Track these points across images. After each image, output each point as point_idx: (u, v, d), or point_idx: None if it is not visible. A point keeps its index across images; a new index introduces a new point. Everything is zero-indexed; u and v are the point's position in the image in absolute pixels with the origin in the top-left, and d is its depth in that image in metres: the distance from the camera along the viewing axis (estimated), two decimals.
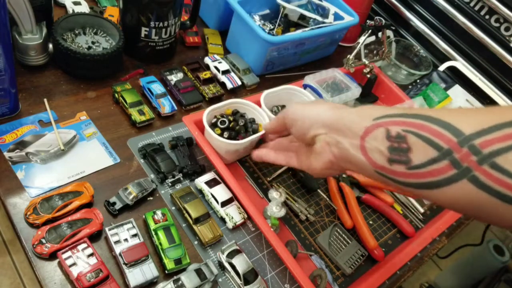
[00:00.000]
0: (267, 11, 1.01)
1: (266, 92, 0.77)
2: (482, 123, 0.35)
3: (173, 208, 0.67)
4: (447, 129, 0.36)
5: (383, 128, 0.40)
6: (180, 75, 0.86)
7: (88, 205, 0.63)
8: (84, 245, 0.57)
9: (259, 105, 0.76)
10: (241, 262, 0.61)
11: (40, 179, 0.64)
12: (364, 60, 0.97)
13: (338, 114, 0.47)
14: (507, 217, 0.34)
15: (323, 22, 0.96)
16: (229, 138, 0.71)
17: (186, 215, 0.65)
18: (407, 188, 0.40)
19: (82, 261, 0.55)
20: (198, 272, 0.59)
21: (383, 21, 0.95)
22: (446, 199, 0.37)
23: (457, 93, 1.07)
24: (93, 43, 0.80)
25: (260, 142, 0.74)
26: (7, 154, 0.64)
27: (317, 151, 0.50)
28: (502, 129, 0.34)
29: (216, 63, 0.90)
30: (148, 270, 0.57)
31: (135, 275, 0.56)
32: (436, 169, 0.37)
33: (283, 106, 0.81)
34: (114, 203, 0.63)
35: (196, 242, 0.65)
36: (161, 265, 0.60)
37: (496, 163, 0.33)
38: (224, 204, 0.68)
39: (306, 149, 0.55)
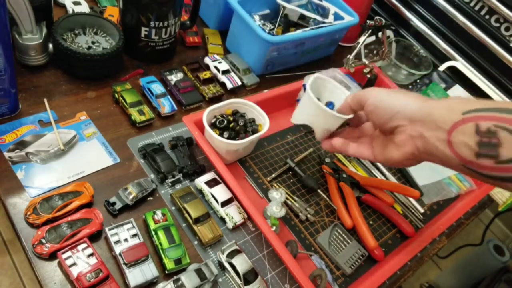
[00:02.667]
0: (267, 11, 1.01)
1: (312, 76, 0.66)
2: None
3: (173, 208, 0.67)
4: None
5: (472, 123, 0.41)
6: (180, 75, 0.86)
7: (88, 205, 0.63)
8: (84, 245, 0.57)
9: (259, 105, 0.76)
10: (241, 262, 0.61)
11: (40, 179, 0.64)
12: (364, 60, 0.97)
13: (426, 107, 0.46)
14: None
15: (323, 22, 0.96)
16: (229, 138, 0.71)
17: (186, 215, 0.65)
18: (492, 181, 0.41)
19: (82, 261, 0.55)
20: (198, 272, 0.59)
21: (383, 21, 0.95)
22: None
23: (457, 93, 1.07)
24: (93, 43, 0.80)
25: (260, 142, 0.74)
26: (7, 154, 0.64)
27: (399, 142, 0.49)
28: None
29: (216, 63, 0.90)
30: (148, 270, 0.57)
31: (135, 275, 0.56)
32: None
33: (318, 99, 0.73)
34: (114, 203, 0.63)
35: (196, 242, 0.65)
36: (161, 265, 0.60)
37: None
38: (224, 204, 0.68)
39: (382, 139, 0.54)
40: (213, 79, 0.87)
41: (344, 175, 0.79)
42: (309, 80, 0.62)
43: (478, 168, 0.41)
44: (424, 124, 0.45)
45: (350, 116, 0.57)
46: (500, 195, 0.95)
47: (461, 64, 1.12)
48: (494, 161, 0.39)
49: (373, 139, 0.56)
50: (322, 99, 0.65)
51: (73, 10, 0.87)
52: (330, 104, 0.68)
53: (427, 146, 0.45)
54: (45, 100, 0.73)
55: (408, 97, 0.48)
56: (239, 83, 0.89)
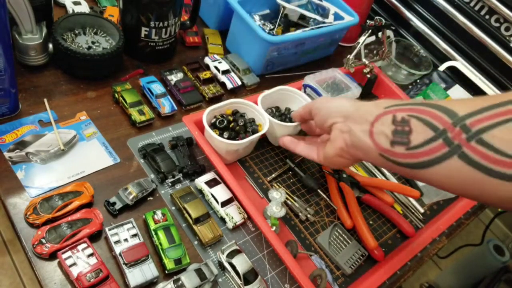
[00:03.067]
0: (267, 11, 1.01)
1: (262, 95, 0.77)
2: (475, 106, 0.39)
3: (173, 208, 0.67)
4: (445, 112, 0.40)
5: (391, 114, 0.45)
6: (180, 75, 0.86)
7: (88, 205, 0.63)
8: (84, 245, 0.57)
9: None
10: (241, 262, 0.61)
11: (40, 179, 0.64)
12: (364, 60, 0.97)
13: (356, 106, 0.51)
14: (495, 192, 0.37)
15: (323, 22, 0.96)
16: (229, 138, 0.71)
17: (186, 215, 0.65)
18: (405, 169, 0.43)
19: (82, 261, 0.55)
20: (198, 272, 0.59)
21: (383, 21, 0.95)
22: (438, 177, 0.41)
23: (457, 93, 1.07)
24: (93, 43, 0.80)
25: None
26: (7, 154, 0.64)
27: (331, 138, 0.54)
28: (491, 110, 0.37)
29: (216, 63, 0.90)
30: (148, 270, 0.57)
31: (135, 275, 0.56)
32: (431, 148, 0.40)
33: (276, 108, 0.81)
34: (114, 203, 0.63)
35: (196, 242, 0.65)
36: (161, 265, 0.60)
37: (483, 139, 0.37)
38: (224, 204, 0.68)
39: (325, 140, 0.58)
40: (213, 79, 0.87)
41: (344, 175, 0.79)
42: (261, 95, 0.75)
43: (393, 156, 0.44)
44: (353, 119, 0.50)
45: (295, 123, 0.70)
46: None
47: (461, 64, 1.12)
48: (405, 147, 0.42)
49: (321, 142, 0.62)
50: (281, 107, 0.80)
51: (73, 10, 0.87)
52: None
53: (353, 139, 0.49)
54: (45, 100, 0.73)
55: (345, 100, 0.54)
56: (239, 83, 0.89)
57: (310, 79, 0.85)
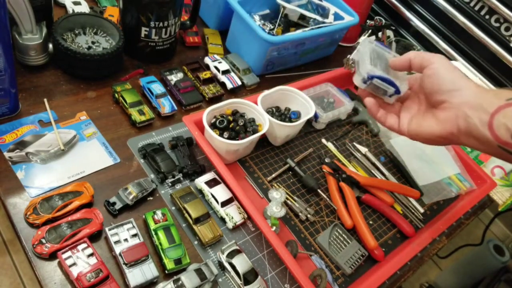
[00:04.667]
0: (267, 11, 1.01)
1: (262, 95, 0.77)
2: None
3: (173, 208, 0.67)
4: None
5: None
6: (180, 75, 0.86)
7: (88, 205, 0.63)
8: (84, 245, 0.57)
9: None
10: (241, 262, 0.61)
11: (40, 179, 0.64)
12: None
13: (476, 92, 0.48)
14: None
15: (323, 22, 0.96)
16: (229, 138, 0.71)
17: (186, 215, 0.65)
18: None
19: (82, 261, 0.55)
20: (198, 272, 0.59)
21: (383, 21, 0.96)
22: None
23: None
24: (93, 43, 0.80)
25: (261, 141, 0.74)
26: (7, 154, 0.64)
27: (441, 118, 0.50)
28: None
29: (216, 63, 0.90)
30: (148, 270, 0.57)
31: (135, 275, 0.56)
32: None
33: (277, 108, 0.81)
34: (114, 203, 0.63)
35: (196, 242, 0.65)
36: (161, 265, 0.60)
37: None
38: (224, 204, 0.68)
39: (420, 109, 0.55)
40: (213, 79, 0.87)
41: (344, 175, 0.79)
42: (261, 95, 0.75)
43: None
44: (471, 106, 0.47)
45: (295, 123, 0.69)
46: (500, 195, 0.95)
47: (461, 64, 1.12)
48: None
49: (408, 108, 0.57)
50: (281, 107, 0.82)
51: (73, 10, 0.87)
52: (294, 113, 0.75)
53: (468, 126, 0.47)
54: (45, 100, 0.73)
55: (466, 80, 0.50)
56: (239, 83, 0.89)
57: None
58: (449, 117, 0.50)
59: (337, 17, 0.99)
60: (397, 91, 0.55)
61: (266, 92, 0.78)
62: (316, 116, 0.87)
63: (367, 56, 0.57)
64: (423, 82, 0.53)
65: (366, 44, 0.59)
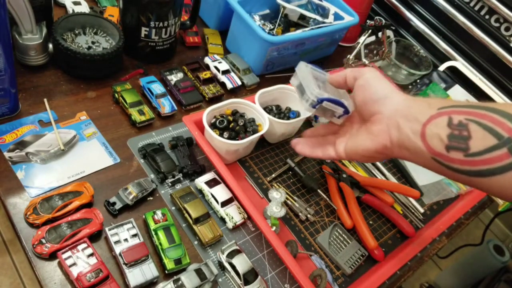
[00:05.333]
0: (267, 11, 1.01)
1: (260, 91, 0.77)
2: None
3: (173, 208, 0.67)
4: (508, 118, 0.38)
5: (446, 116, 0.41)
6: (180, 75, 0.86)
7: (88, 205, 0.63)
8: (84, 245, 0.57)
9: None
10: (241, 262, 0.61)
11: (40, 179, 0.64)
12: (364, 60, 0.97)
13: (407, 101, 0.46)
14: None
15: (323, 22, 0.96)
16: (229, 138, 0.71)
17: (186, 215, 0.65)
18: (461, 176, 0.41)
19: (82, 261, 0.55)
20: (198, 272, 0.59)
21: (383, 21, 0.96)
22: (498, 187, 0.39)
23: (457, 93, 1.07)
24: (93, 43, 0.80)
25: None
26: (7, 154, 0.64)
27: (374, 131, 0.48)
28: None
29: (216, 63, 0.90)
30: (148, 270, 0.57)
31: (135, 275, 0.56)
32: (493, 157, 0.38)
33: (277, 106, 0.81)
34: (114, 203, 0.63)
35: (196, 242, 0.65)
36: (161, 265, 0.60)
37: None
38: (224, 204, 0.68)
39: (354, 129, 0.53)
40: (213, 79, 0.87)
41: (344, 175, 0.79)
42: (259, 92, 0.75)
43: (448, 161, 0.41)
44: (403, 115, 0.45)
45: (294, 120, 0.67)
46: None
47: (461, 64, 1.12)
48: (463, 153, 0.39)
49: (343, 131, 0.55)
50: (282, 106, 0.82)
51: (73, 10, 0.87)
52: (293, 113, 0.75)
53: (400, 137, 0.45)
54: (45, 100, 0.73)
55: (396, 91, 0.49)
56: (239, 83, 0.89)
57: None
58: (381, 129, 0.47)
59: (337, 17, 0.99)
60: (346, 111, 0.54)
61: (264, 89, 0.78)
62: (316, 116, 0.87)
63: (310, 79, 0.55)
64: (355, 93, 0.51)
65: (303, 68, 0.58)
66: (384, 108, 0.47)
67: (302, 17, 0.97)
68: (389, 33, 1.16)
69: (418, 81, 1.09)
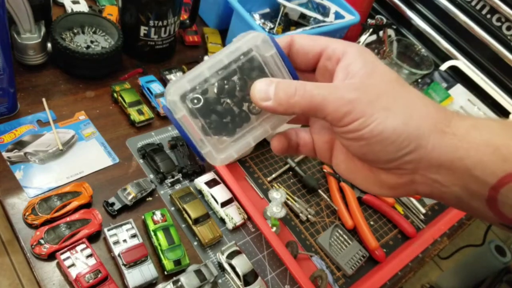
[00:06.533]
0: (268, 10, 1.01)
1: None
2: None
3: (173, 208, 0.67)
4: None
5: None
6: (179, 75, 0.86)
7: (87, 205, 0.62)
8: (83, 245, 0.57)
9: None
10: (241, 263, 0.61)
11: (39, 179, 0.63)
12: None
13: (460, 147, 0.28)
14: None
15: (324, 21, 0.96)
16: None
17: (186, 215, 0.65)
18: None
19: (81, 262, 0.55)
20: (198, 273, 0.58)
21: (384, 20, 0.95)
22: None
23: (459, 93, 1.06)
24: (92, 42, 0.80)
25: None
26: (5, 154, 0.64)
27: (389, 183, 0.31)
28: None
29: None
30: (147, 271, 0.57)
31: (134, 276, 0.56)
32: None
33: None
34: (113, 204, 0.63)
35: (195, 243, 0.64)
36: (160, 266, 0.60)
37: None
38: (224, 204, 0.67)
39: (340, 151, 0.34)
40: None
41: None
42: None
43: None
44: (448, 171, 0.28)
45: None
46: None
47: (462, 63, 1.11)
48: None
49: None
50: None
51: (72, 9, 0.86)
52: None
53: (442, 195, 0.30)
54: (44, 99, 0.72)
55: (421, 108, 0.29)
56: None
57: None
58: (403, 184, 0.30)
59: (337, 16, 0.99)
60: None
61: None
62: None
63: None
64: (345, 144, 0.31)
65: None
66: (406, 165, 0.29)
67: (303, 16, 0.97)
68: (390, 32, 1.15)
69: (419, 80, 1.09)
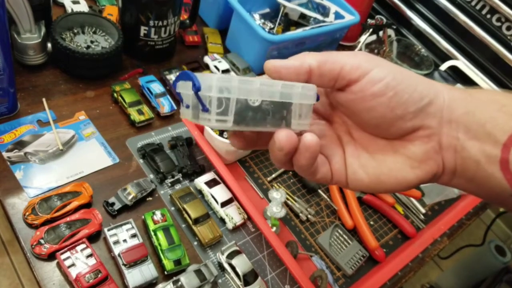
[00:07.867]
0: (267, 10, 1.01)
1: None
2: None
3: (173, 208, 0.67)
4: None
5: None
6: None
7: (87, 205, 0.62)
8: (83, 245, 0.57)
9: None
10: (241, 263, 0.61)
11: (39, 179, 0.63)
12: None
13: (468, 102, 0.29)
14: None
15: (324, 21, 0.96)
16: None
17: (186, 215, 0.65)
18: None
19: (81, 261, 0.55)
20: (198, 273, 0.58)
21: (384, 20, 0.95)
22: None
23: None
24: (92, 42, 0.80)
25: None
26: (5, 154, 0.64)
27: (416, 155, 0.30)
28: None
29: (216, 63, 0.89)
30: (147, 271, 0.57)
31: (134, 276, 0.56)
32: None
33: None
34: (113, 204, 0.63)
35: (195, 243, 0.64)
36: (160, 266, 0.60)
37: None
38: (224, 204, 0.67)
39: (356, 146, 0.33)
40: None
41: None
42: None
43: None
44: (465, 129, 0.29)
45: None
46: None
47: (462, 63, 1.12)
48: None
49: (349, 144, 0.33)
50: None
51: (72, 9, 0.86)
52: None
53: (463, 163, 0.29)
54: (44, 99, 0.72)
55: (434, 84, 0.30)
56: None
57: None
58: (429, 151, 0.30)
59: (337, 16, 0.99)
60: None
61: None
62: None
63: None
64: (353, 104, 0.31)
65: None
66: (430, 119, 0.29)
67: (303, 16, 0.97)
68: (390, 32, 1.16)
69: None
